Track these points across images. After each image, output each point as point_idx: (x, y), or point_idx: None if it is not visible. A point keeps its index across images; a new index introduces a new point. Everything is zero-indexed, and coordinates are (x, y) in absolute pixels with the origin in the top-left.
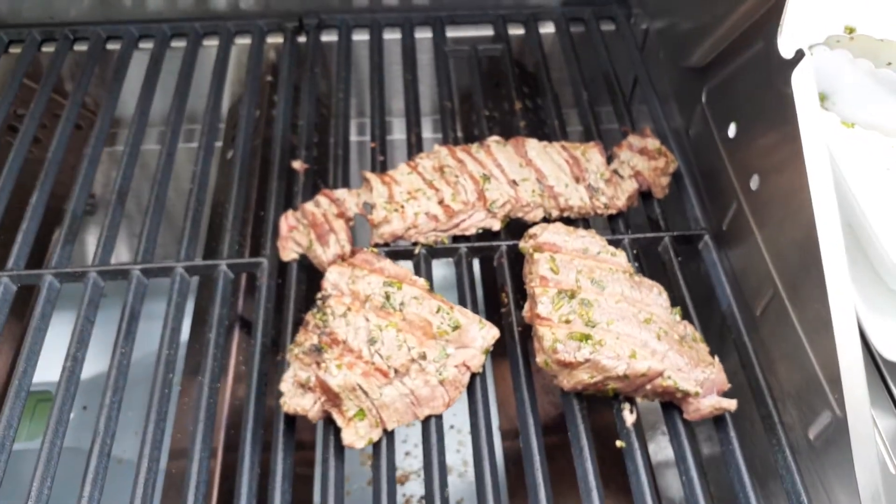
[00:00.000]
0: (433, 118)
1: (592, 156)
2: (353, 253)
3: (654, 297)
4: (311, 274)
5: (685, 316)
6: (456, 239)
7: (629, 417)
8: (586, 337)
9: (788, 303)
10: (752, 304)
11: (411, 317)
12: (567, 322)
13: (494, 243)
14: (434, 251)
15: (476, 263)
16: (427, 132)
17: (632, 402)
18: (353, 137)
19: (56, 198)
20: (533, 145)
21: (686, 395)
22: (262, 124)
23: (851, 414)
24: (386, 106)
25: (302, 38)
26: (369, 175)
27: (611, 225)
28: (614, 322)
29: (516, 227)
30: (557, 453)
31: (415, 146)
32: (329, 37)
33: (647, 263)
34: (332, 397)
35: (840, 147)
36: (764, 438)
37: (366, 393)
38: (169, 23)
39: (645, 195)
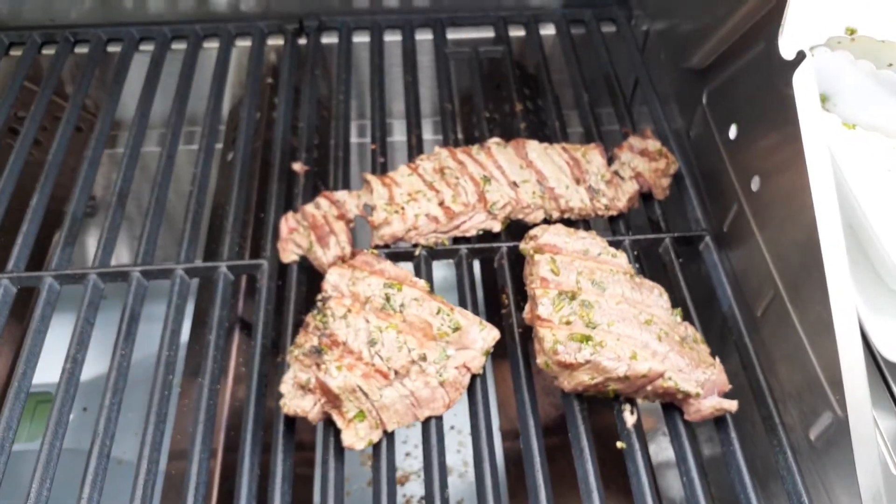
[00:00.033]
0: (434, 120)
1: (593, 157)
2: (353, 254)
3: (654, 298)
4: (311, 276)
5: (686, 317)
6: (456, 240)
7: (630, 418)
8: (587, 338)
9: (789, 304)
10: (752, 306)
11: (411, 318)
12: (568, 323)
13: (495, 245)
14: (434, 253)
15: (476, 265)
16: (427, 134)
17: (632, 403)
18: (354, 139)
19: (56, 200)
20: (533, 147)
21: (687, 396)
22: (263, 126)
23: (853, 415)
24: (386, 108)
25: (302, 40)
26: (370, 177)
27: (611, 226)
28: (615, 323)
29: (517, 228)
30: (558, 454)
31: (415, 148)
32: (329, 39)
33: (648, 265)
34: (332, 399)
35: (841, 148)
36: (765, 439)
37: (366, 394)
38: (169, 25)
39: (646, 196)
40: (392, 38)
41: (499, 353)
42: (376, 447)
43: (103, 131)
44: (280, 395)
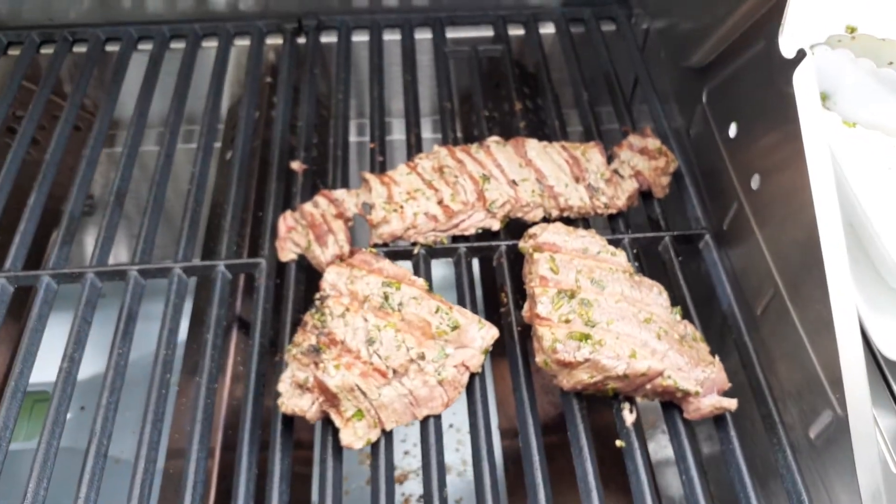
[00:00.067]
0: (433, 119)
1: (592, 156)
2: (351, 253)
3: (654, 296)
4: (309, 274)
5: (685, 315)
6: (455, 239)
7: (629, 417)
8: (586, 337)
9: (789, 302)
10: (752, 304)
11: (410, 317)
12: (567, 322)
13: (494, 243)
14: (433, 251)
15: (475, 263)
16: (426, 133)
17: (631, 401)
18: (353, 138)
19: (54, 199)
20: (533, 145)
21: (686, 394)
22: (262, 125)
23: (852, 413)
24: (385, 107)
25: (301, 39)
26: (368, 175)
27: (611, 225)
28: (614, 322)
29: (516, 227)
30: (557, 453)
31: (414, 147)
32: (328, 38)
33: (648, 263)
34: (331, 398)
35: (841, 147)
36: (764, 438)
37: (364, 393)
38: (168, 24)
39: (645, 195)
40: (391, 37)
41: (498, 352)
42: (375, 446)
43: (102, 130)
44: (278, 394)
